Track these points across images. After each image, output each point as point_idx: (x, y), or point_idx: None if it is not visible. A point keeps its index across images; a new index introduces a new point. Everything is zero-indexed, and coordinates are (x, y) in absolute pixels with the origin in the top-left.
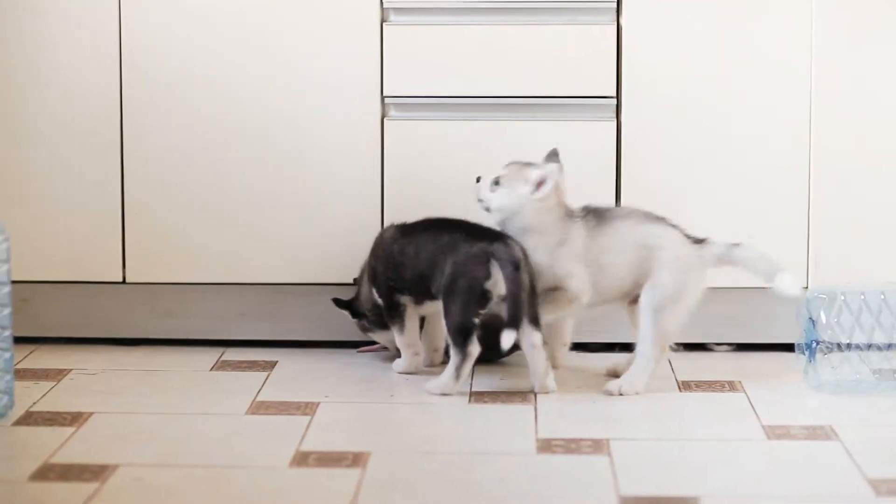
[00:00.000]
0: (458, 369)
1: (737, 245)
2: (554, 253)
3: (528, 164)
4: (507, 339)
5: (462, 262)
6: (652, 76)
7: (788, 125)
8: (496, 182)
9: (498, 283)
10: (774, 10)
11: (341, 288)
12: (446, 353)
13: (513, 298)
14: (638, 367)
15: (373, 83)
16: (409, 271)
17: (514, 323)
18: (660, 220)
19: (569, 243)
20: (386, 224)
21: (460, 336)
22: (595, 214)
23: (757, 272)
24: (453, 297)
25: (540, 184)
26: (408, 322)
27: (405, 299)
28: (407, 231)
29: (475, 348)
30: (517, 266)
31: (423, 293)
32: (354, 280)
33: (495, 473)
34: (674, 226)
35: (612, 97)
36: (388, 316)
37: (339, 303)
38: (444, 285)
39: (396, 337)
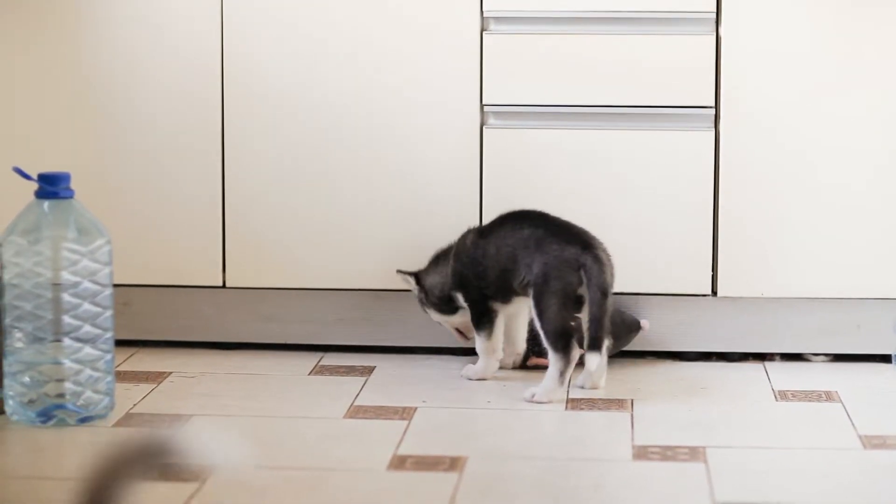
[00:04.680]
0: (562, 374)
1: None
2: None
3: None
4: (592, 361)
5: (553, 266)
6: (751, 87)
7: (889, 139)
8: None
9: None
10: (883, 20)
11: None
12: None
13: (597, 323)
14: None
15: (472, 91)
16: (492, 271)
17: (597, 345)
18: None
19: None
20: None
21: (560, 340)
22: None
23: None
24: (548, 300)
25: None
26: (496, 328)
27: (496, 305)
28: (485, 232)
29: (576, 353)
30: (605, 293)
31: (507, 290)
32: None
33: (591, 480)
34: None
35: (710, 107)
36: (478, 322)
37: (403, 271)
38: (535, 285)
39: (481, 341)
